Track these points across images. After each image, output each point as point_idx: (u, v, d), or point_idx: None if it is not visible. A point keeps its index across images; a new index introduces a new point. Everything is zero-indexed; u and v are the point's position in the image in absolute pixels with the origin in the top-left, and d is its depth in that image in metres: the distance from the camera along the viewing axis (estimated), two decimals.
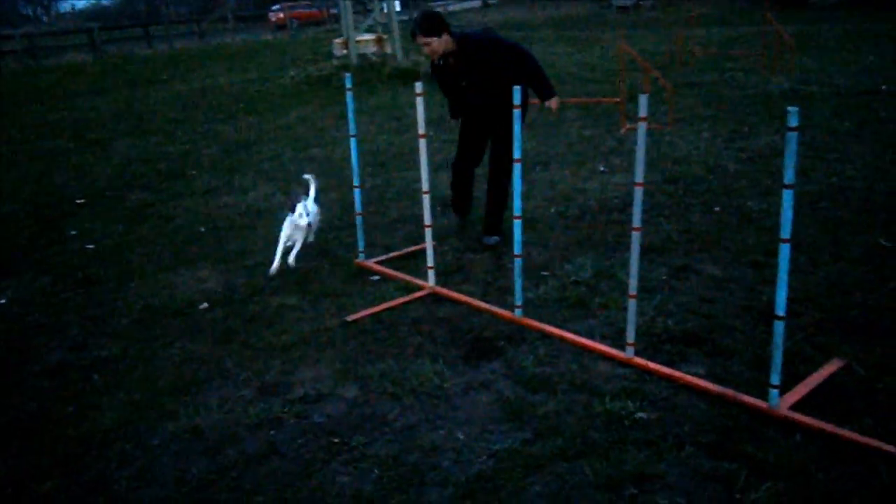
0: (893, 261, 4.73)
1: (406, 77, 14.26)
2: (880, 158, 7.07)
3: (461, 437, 3.18)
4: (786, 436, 3.03)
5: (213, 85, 16.35)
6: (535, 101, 5.39)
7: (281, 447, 3.18)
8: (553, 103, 5.19)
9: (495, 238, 5.42)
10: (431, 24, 4.96)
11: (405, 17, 20.26)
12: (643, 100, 3.34)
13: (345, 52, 16.32)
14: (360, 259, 5.23)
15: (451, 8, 41.02)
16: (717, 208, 5.95)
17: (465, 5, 42.62)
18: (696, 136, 8.44)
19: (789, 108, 2.90)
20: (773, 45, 13.10)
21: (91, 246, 6.02)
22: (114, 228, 6.46)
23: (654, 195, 6.24)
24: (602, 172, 7.18)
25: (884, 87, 10.77)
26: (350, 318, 4.38)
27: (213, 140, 10.25)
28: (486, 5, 43.08)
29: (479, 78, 5.12)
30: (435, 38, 4.94)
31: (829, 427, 3.02)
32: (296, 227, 5.03)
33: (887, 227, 5.29)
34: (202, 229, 6.30)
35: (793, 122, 2.88)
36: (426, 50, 5.01)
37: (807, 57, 14.04)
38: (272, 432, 3.30)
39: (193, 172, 8.37)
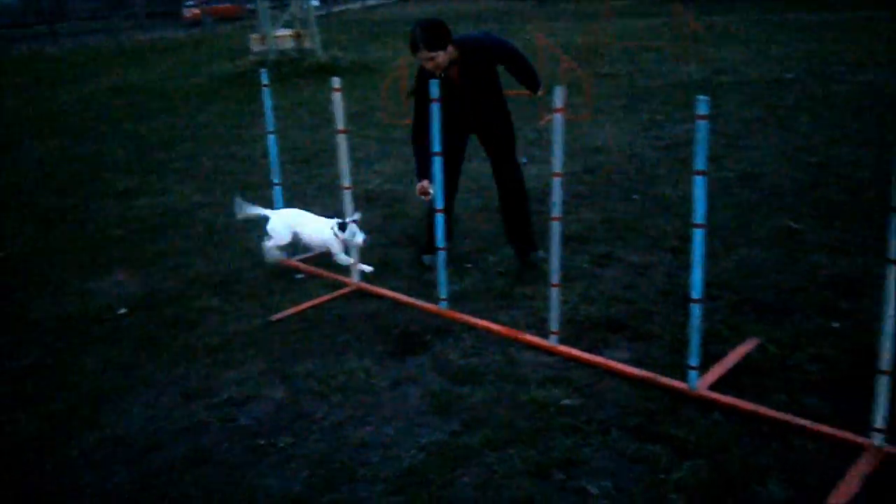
0: (802, 242, 4.93)
1: (325, 72, 14.12)
2: (787, 144, 7.36)
3: (390, 432, 3.18)
4: (705, 415, 3.13)
5: (126, 84, 15.87)
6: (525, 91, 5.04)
7: (207, 452, 3.12)
8: (542, 92, 4.79)
9: (541, 252, 4.82)
10: (436, 36, 4.33)
11: (322, 13, 20.06)
12: (558, 91, 3.39)
13: (262, 47, 16.07)
14: (284, 257, 5.17)
15: (369, 3, 40.78)
16: (635, 196, 6.09)
17: None
18: (613, 125, 8.61)
19: (699, 97, 2.98)
20: (685, 36, 13.46)
21: (0, 254, 5.78)
22: (25, 234, 6.22)
23: (574, 185, 6.35)
24: (523, 164, 7.25)
25: (789, 75, 11.19)
26: (274, 317, 4.33)
27: (127, 140, 9.96)
28: (404, 0, 42.86)
29: (480, 86, 4.60)
30: (441, 52, 4.33)
31: (745, 405, 3.13)
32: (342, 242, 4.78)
33: (795, 210, 5.51)
34: (119, 232, 6.12)
35: (702, 110, 2.96)
36: (430, 65, 4.37)
37: (718, 47, 14.47)
38: (198, 437, 3.24)
39: (108, 174, 8.11)
